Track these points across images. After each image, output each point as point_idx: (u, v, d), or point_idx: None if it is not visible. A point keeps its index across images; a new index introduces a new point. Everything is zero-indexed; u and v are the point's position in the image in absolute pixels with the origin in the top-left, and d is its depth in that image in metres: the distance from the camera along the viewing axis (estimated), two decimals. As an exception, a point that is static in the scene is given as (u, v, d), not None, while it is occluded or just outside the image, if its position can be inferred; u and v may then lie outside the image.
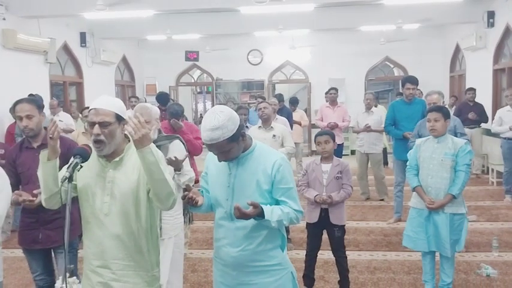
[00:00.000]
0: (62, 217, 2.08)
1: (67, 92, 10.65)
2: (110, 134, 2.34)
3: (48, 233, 3.20)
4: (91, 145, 2.37)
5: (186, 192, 2.34)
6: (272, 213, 2.29)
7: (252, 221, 2.32)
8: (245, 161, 2.41)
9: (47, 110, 8.22)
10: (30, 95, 7.23)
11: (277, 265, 2.45)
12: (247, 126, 5.99)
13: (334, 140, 4.22)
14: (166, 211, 3.40)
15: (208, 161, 2.58)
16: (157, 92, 10.87)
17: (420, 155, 4.08)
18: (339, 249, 4.16)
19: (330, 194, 4.01)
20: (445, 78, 12.87)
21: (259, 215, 2.26)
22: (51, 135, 2.26)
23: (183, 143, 3.68)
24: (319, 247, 4.25)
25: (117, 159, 2.42)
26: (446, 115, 4.04)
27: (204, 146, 4.82)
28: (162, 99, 7.73)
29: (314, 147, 10.29)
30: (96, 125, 2.33)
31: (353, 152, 12.95)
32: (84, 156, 2.23)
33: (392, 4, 8.76)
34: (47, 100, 8.54)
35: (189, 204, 2.36)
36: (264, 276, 2.42)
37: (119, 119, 2.38)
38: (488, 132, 9.60)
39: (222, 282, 2.52)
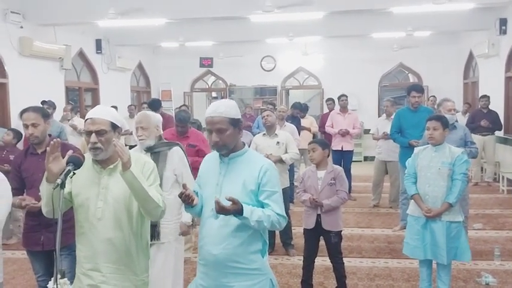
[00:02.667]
0: (52, 223, 2.19)
1: (82, 97, 10.90)
2: (106, 141, 2.48)
3: (50, 236, 3.29)
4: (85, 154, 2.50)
5: (183, 190, 2.42)
6: (252, 213, 2.35)
7: (235, 221, 2.38)
8: (235, 162, 2.51)
9: (61, 114, 8.47)
10: (43, 101, 7.45)
11: (256, 270, 2.49)
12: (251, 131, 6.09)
13: (325, 148, 4.27)
14: (165, 216, 3.48)
15: (202, 165, 2.69)
16: (151, 98, 11.19)
17: (418, 163, 4.12)
18: (335, 255, 4.23)
19: (321, 201, 4.10)
20: (458, 85, 12.81)
21: (239, 212, 2.32)
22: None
23: (183, 150, 3.76)
24: (316, 253, 4.33)
25: (111, 166, 2.55)
26: (445, 124, 4.08)
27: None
28: (154, 105, 7.93)
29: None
30: (93, 134, 2.46)
31: (366, 159, 13.00)
32: (77, 163, 2.34)
33: (401, 12, 8.77)
34: (61, 106, 8.77)
35: (185, 202, 2.45)
36: (242, 279, 2.46)
37: (114, 127, 2.53)
38: (501, 140, 9.54)
39: (202, 284, 2.57)
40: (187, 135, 5.23)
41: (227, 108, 2.45)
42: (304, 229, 4.32)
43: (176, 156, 3.66)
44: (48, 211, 2.50)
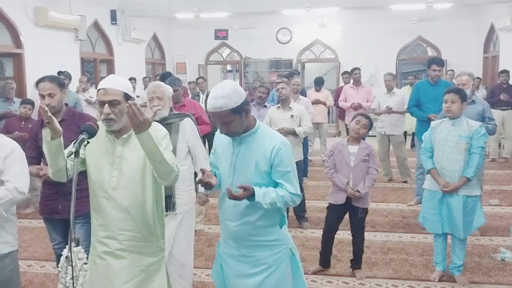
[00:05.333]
0: (68, 192, 2.19)
1: (98, 69, 10.90)
2: (119, 112, 2.46)
3: (67, 204, 3.32)
4: (99, 122, 2.49)
5: (201, 176, 2.44)
6: (264, 196, 2.36)
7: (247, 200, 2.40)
8: (247, 141, 2.47)
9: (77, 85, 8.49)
10: (59, 72, 7.46)
11: (275, 241, 2.54)
12: (265, 105, 6.05)
13: (369, 130, 4.16)
14: (179, 187, 3.52)
15: (216, 138, 2.66)
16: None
17: (435, 137, 4.06)
18: (358, 230, 4.20)
19: (357, 188, 4.04)
20: (478, 60, 12.53)
21: (252, 196, 2.34)
22: (47, 121, 2.32)
23: (194, 121, 3.73)
24: (337, 229, 4.30)
25: (125, 136, 2.54)
26: (463, 97, 4.00)
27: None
28: (165, 78, 7.91)
29: (341, 127, 10.31)
30: (106, 105, 2.44)
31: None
32: (91, 132, 2.34)
33: (422, -17, 8.56)
34: (77, 77, 8.78)
35: (204, 187, 2.46)
36: (262, 250, 2.53)
37: (127, 97, 2.50)
38: (520, 116, 9.34)
39: (225, 252, 2.65)
40: (183, 104, 5.17)
41: (227, 99, 2.30)
42: (330, 204, 4.27)
43: (188, 127, 3.62)
44: (54, 173, 2.49)
